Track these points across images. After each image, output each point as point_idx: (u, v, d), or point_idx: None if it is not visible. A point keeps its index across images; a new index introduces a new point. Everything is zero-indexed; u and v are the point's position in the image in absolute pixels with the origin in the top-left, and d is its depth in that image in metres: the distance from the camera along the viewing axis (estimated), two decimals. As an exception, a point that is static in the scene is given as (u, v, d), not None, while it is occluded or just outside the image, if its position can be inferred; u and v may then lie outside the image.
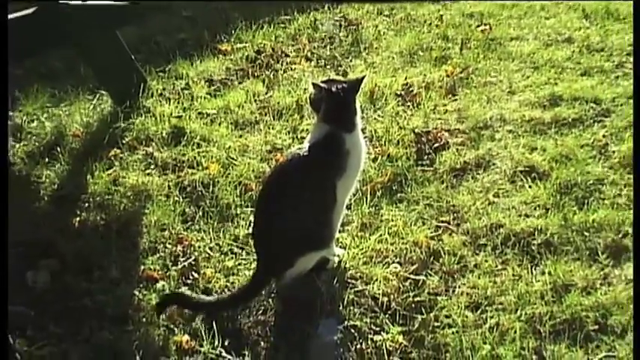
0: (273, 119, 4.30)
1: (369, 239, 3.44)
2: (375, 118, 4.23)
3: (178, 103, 4.44)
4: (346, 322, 3.08)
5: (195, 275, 3.32)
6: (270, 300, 3.21)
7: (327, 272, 3.26)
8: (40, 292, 3.28)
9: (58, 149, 4.10)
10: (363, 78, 3.26)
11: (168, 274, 3.34)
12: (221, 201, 3.70)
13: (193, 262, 3.38)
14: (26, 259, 3.41)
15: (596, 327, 3.01)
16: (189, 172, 3.89)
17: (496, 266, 3.30)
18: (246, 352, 3.00)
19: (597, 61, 4.60)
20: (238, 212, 3.64)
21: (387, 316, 3.12)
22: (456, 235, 3.47)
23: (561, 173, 3.70)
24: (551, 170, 3.74)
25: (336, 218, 3.20)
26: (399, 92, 4.44)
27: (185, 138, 4.12)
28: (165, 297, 3.18)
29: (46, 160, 4.06)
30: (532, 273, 3.25)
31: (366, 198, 3.64)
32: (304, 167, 3.13)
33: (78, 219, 3.66)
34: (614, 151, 3.83)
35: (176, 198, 3.74)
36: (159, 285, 3.28)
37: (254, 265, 3.28)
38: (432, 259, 3.35)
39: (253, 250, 3.31)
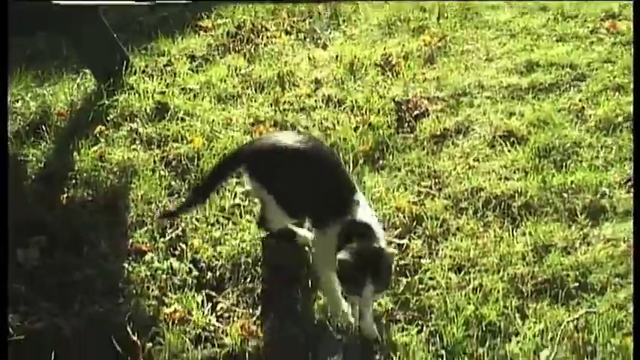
0: (255, 92, 4.31)
1: (353, 206, 3.48)
2: (355, 89, 4.27)
3: (161, 79, 4.43)
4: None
5: (183, 246, 3.34)
6: (256, 268, 3.24)
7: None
8: (31, 269, 3.27)
9: (44, 128, 4.08)
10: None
11: (156, 246, 3.36)
12: (206, 173, 3.70)
13: (181, 234, 3.40)
14: (16, 237, 3.35)
15: (577, 285, 3.06)
16: (174, 146, 3.90)
17: (478, 229, 3.35)
18: (236, 320, 3.03)
19: (572, 28, 4.66)
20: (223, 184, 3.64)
21: (372, 279, 3.16)
22: (438, 199, 3.51)
23: (539, 137, 3.75)
24: (530, 134, 3.79)
25: None
26: (378, 63, 4.47)
27: (169, 113, 4.12)
28: None
29: (32, 139, 4.03)
30: (513, 235, 3.30)
31: (349, 166, 3.67)
32: None
33: (65, 196, 3.65)
34: (590, 115, 3.89)
35: (162, 172, 3.75)
36: (147, 257, 3.30)
37: (240, 234, 3.34)
38: (415, 223, 3.39)
39: (240, 219, 3.36)
